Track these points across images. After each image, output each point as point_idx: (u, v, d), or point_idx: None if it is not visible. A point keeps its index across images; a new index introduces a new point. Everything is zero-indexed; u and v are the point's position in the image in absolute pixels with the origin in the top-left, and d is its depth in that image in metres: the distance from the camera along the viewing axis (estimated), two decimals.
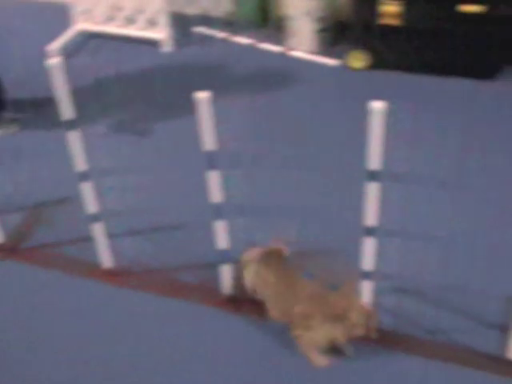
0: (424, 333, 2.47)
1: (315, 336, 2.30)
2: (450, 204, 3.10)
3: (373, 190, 2.10)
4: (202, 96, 2.10)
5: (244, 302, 2.62)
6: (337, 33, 4.71)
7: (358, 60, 4.36)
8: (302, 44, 4.63)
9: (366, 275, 2.31)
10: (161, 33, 4.65)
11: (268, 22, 5.02)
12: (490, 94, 4.07)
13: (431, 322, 2.49)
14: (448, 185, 3.18)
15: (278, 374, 2.37)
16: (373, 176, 2.08)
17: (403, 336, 2.46)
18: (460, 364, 2.36)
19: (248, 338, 2.50)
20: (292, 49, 4.65)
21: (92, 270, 2.84)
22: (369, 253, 2.25)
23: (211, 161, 2.25)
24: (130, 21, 4.74)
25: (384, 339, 2.42)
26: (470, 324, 2.52)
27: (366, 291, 2.36)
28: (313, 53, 4.58)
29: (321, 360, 2.33)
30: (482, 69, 4.26)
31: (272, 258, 2.54)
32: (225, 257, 2.54)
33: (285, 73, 4.35)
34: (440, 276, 2.69)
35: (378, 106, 1.96)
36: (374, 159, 2.05)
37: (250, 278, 2.53)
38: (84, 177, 2.52)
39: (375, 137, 1.99)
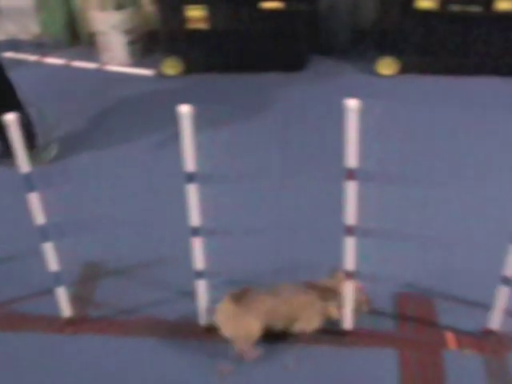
0: None
1: (312, 319, 2.37)
2: (271, 195, 3.24)
3: (191, 191, 2.15)
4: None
5: (84, 322, 2.60)
6: (148, 42, 4.75)
7: (171, 67, 4.43)
8: (115, 58, 4.64)
9: (199, 275, 2.35)
10: None
11: (79, 39, 4.98)
12: (301, 83, 4.27)
13: None
14: (268, 178, 3.31)
15: None
16: (190, 178, 2.13)
17: None
18: None
19: (96, 357, 2.48)
20: (106, 63, 4.64)
21: None
22: (198, 253, 2.30)
23: (29, 182, 2.21)
24: None
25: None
26: None
27: (201, 290, 2.41)
28: (127, 65, 4.60)
29: None
30: (291, 61, 4.46)
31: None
32: (58, 279, 2.50)
33: (100, 88, 4.34)
34: (270, 264, 2.81)
35: (184, 109, 2.02)
36: (189, 161, 2.10)
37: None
38: None
39: (187, 139, 2.05)
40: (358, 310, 2.43)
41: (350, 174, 2.06)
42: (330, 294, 2.37)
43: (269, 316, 2.33)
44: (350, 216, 2.15)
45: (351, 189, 2.08)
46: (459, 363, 2.34)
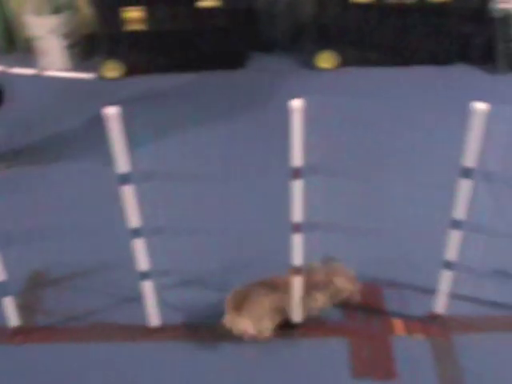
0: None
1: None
2: (217, 195, 3.24)
3: (126, 193, 2.14)
4: None
5: (33, 330, 2.57)
6: (87, 46, 4.70)
7: (111, 70, 4.39)
8: (54, 63, 4.58)
9: (144, 275, 2.35)
10: None
11: (15, 45, 4.89)
12: (242, 81, 4.28)
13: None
14: (214, 178, 3.31)
15: None
16: (124, 179, 2.11)
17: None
18: None
19: (47, 365, 2.44)
20: (45, 69, 4.57)
21: None
22: (141, 254, 2.29)
23: None
24: None
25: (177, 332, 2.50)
26: None
27: (147, 291, 2.40)
28: (66, 69, 4.54)
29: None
30: (231, 59, 4.47)
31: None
32: (5, 289, 2.46)
33: (40, 94, 4.28)
34: (220, 262, 2.81)
35: (111, 111, 2.01)
36: (121, 162, 2.08)
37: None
38: None
39: (117, 140, 2.04)
40: (350, 300, 2.50)
41: (296, 173, 2.07)
42: (322, 284, 2.44)
43: (273, 312, 2.40)
44: (297, 213, 2.17)
45: (297, 187, 2.10)
46: (407, 348, 2.39)
